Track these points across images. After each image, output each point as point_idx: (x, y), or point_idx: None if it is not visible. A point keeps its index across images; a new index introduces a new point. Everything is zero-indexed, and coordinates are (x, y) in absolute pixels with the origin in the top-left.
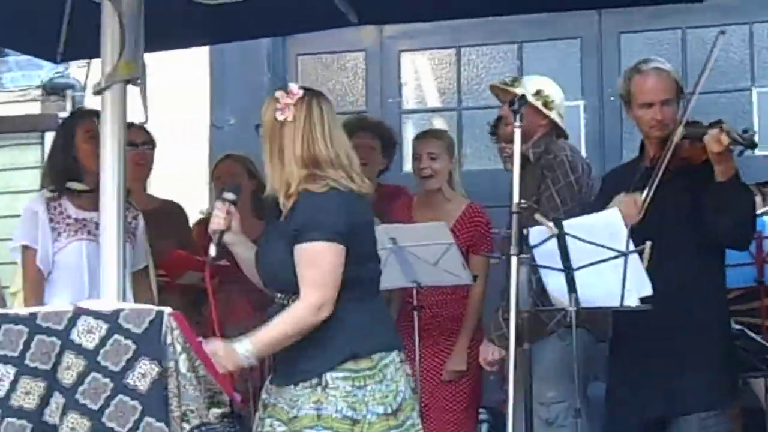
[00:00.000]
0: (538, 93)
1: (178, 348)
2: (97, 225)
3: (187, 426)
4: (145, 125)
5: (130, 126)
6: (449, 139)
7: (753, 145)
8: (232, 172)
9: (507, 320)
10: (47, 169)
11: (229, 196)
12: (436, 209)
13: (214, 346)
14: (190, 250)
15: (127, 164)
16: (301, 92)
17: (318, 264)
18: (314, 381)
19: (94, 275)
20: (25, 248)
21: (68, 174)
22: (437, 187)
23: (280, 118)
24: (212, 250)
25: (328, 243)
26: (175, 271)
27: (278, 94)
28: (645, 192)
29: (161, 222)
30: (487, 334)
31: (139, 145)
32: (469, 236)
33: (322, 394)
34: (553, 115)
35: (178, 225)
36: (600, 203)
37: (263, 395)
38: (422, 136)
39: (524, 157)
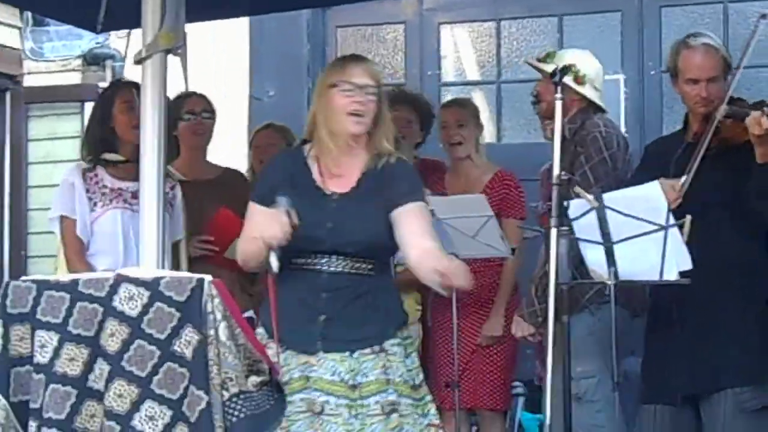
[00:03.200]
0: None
1: (218, 316)
2: (132, 194)
3: (226, 393)
4: (204, 95)
5: (190, 95)
6: (474, 108)
7: None
8: (271, 141)
9: (539, 296)
10: (85, 139)
11: (286, 202)
12: (466, 176)
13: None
14: None
15: (166, 134)
16: None
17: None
18: (376, 348)
19: (129, 243)
20: (63, 218)
21: (105, 145)
22: (466, 155)
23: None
24: (275, 264)
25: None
26: (222, 233)
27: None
28: (684, 177)
29: (221, 191)
30: (518, 310)
31: (198, 113)
32: (499, 200)
33: (385, 359)
34: (586, 89)
35: (239, 194)
36: (641, 176)
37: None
38: (448, 105)
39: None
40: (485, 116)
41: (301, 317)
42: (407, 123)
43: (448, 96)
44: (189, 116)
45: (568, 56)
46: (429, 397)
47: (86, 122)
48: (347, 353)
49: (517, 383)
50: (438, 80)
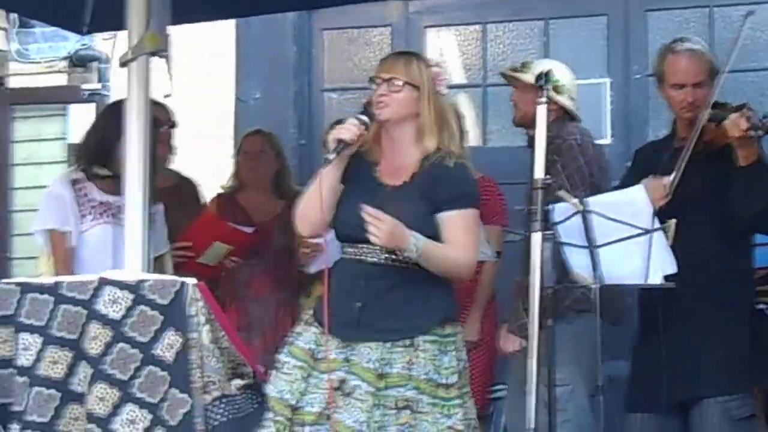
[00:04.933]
0: None
1: (202, 319)
2: (119, 208)
3: (208, 397)
4: (165, 104)
5: (154, 104)
6: (458, 113)
7: None
8: (260, 148)
9: (528, 309)
10: (81, 147)
11: (364, 118)
12: None
13: (383, 217)
14: None
15: (151, 137)
16: None
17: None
18: (407, 342)
19: (119, 257)
20: (51, 231)
21: (100, 157)
22: None
23: (439, 89)
24: (332, 155)
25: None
26: (203, 236)
27: (435, 68)
28: (673, 175)
29: (174, 198)
30: (506, 324)
31: (164, 122)
32: (481, 206)
33: (414, 354)
34: (563, 99)
35: (190, 202)
36: (630, 180)
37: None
38: None
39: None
40: (471, 119)
41: (341, 303)
42: None
43: None
44: (154, 125)
45: (544, 65)
46: (459, 401)
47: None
48: (380, 342)
49: (501, 386)
50: None
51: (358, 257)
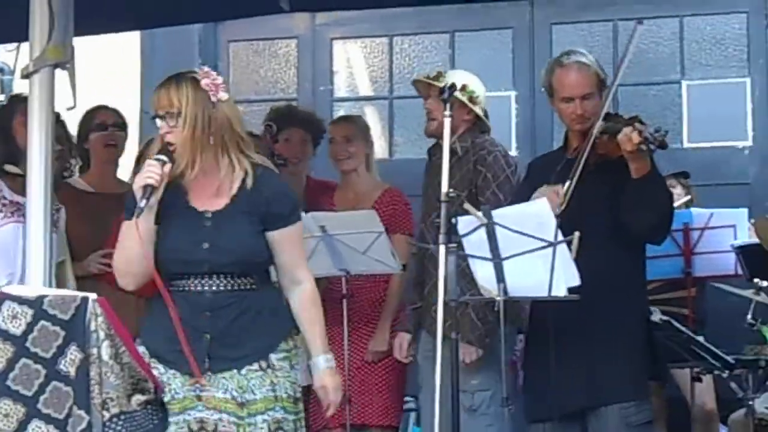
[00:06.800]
0: (463, 87)
1: (101, 335)
2: None
3: (107, 414)
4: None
5: (101, 108)
6: (363, 123)
7: (663, 146)
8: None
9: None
10: None
11: (163, 157)
12: (354, 192)
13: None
14: None
15: (53, 149)
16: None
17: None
18: (263, 363)
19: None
20: None
21: (6, 157)
22: (353, 168)
23: (214, 99)
24: (142, 203)
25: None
26: None
27: (204, 79)
28: (567, 183)
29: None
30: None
31: (109, 126)
32: (388, 216)
33: (273, 375)
34: (478, 109)
35: None
36: (524, 191)
37: (168, 396)
38: (337, 121)
39: (451, 150)
40: (377, 132)
41: (188, 339)
42: (302, 144)
43: (340, 111)
44: (100, 128)
45: (458, 76)
46: (302, 414)
47: None
48: (235, 371)
49: (408, 398)
50: (330, 95)
51: (191, 289)
